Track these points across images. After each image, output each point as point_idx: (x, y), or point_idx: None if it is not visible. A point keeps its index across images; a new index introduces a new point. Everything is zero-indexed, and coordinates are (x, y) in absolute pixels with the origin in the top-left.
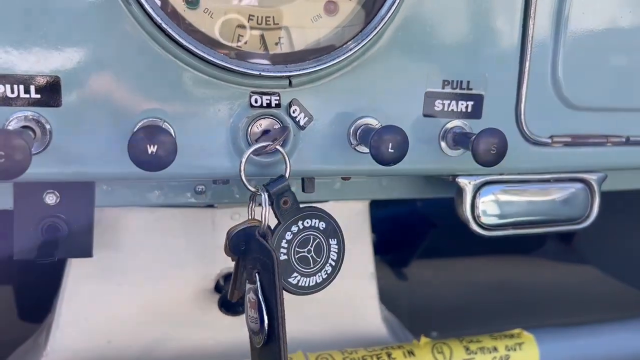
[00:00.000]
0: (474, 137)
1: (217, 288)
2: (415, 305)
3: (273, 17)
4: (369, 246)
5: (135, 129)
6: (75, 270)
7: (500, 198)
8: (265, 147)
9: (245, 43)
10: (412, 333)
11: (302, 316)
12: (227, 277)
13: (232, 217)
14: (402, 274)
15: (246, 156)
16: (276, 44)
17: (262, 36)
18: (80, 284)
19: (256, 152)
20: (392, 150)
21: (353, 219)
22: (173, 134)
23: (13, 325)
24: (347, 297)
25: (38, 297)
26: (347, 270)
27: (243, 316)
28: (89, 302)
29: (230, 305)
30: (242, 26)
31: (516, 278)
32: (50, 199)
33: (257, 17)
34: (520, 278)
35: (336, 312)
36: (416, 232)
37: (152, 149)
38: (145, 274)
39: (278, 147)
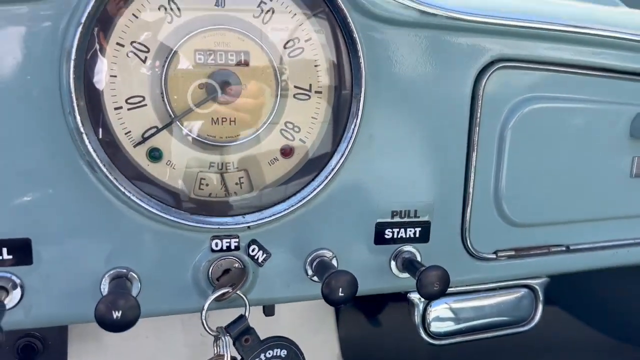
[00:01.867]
0: (418, 272)
1: None
2: None
3: (233, 162)
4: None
5: (102, 286)
6: None
7: (449, 308)
8: (225, 294)
9: (207, 185)
10: None
11: None
12: None
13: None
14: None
15: (207, 304)
16: (236, 184)
17: (222, 178)
18: None
19: (217, 299)
20: (342, 294)
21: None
22: (138, 289)
23: None
24: None
25: None
26: None
27: None
28: None
29: None
30: (203, 171)
31: None
32: None
33: (217, 163)
34: None
35: None
36: None
37: (116, 314)
38: None
39: (238, 292)
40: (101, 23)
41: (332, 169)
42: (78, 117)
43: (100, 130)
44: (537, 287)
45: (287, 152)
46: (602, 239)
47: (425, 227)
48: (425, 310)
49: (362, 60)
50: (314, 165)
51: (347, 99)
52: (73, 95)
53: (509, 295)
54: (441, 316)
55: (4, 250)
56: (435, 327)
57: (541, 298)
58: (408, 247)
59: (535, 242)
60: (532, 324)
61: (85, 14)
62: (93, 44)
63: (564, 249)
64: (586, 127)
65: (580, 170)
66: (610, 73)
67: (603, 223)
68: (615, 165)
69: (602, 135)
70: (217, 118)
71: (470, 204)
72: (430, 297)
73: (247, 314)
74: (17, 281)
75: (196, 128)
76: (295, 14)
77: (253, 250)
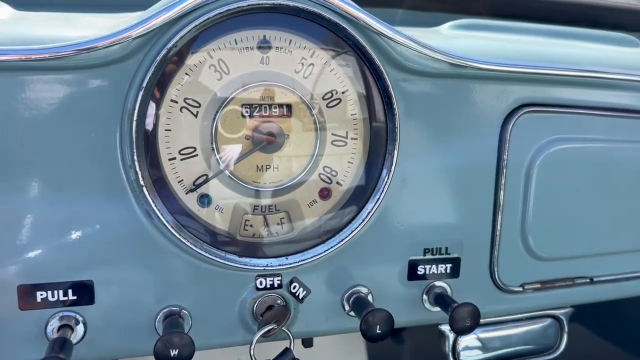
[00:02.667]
0: (451, 309)
1: None
2: None
3: (275, 205)
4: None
5: (156, 323)
6: None
7: (478, 338)
8: (271, 330)
9: (252, 226)
10: None
11: None
12: None
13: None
14: None
15: (255, 339)
16: (277, 224)
17: (265, 219)
18: None
19: (264, 335)
20: (380, 331)
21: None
22: (189, 325)
23: None
24: None
25: None
26: None
27: None
28: None
29: None
30: (247, 214)
31: None
32: None
33: (261, 206)
34: None
35: None
36: None
37: (174, 352)
38: None
39: (283, 328)
40: (158, 83)
41: (369, 212)
42: (139, 172)
43: (156, 179)
44: (562, 316)
45: (325, 194)
46: (626, 271)
47: (456, 263)
48: (455, 340)
49: (396, 112)
50: (351, 206)
51: (382, 143)
52: (135, 151)
53: (534, 325)
54: (470, 346)
55: (69, 291)
56: (465, 356)
57: (566, 328)
58: (439, 282)
59: (560, 274)
60: (558, 352)
61: (147, 79)
62: (151, 102)
63: (587, 280)
64: (611, 165)
65: (603, 206)
66: (634, 114)
67: (626, 255)
68: (637, 201)
69: (627, 173)
70: (262, 165)
71: (498, 240)
72: (461, 332)
73: (292, 346)
74: (80, 319)
75: (243, 175)
76: (333, 68)
77: (294, 288)
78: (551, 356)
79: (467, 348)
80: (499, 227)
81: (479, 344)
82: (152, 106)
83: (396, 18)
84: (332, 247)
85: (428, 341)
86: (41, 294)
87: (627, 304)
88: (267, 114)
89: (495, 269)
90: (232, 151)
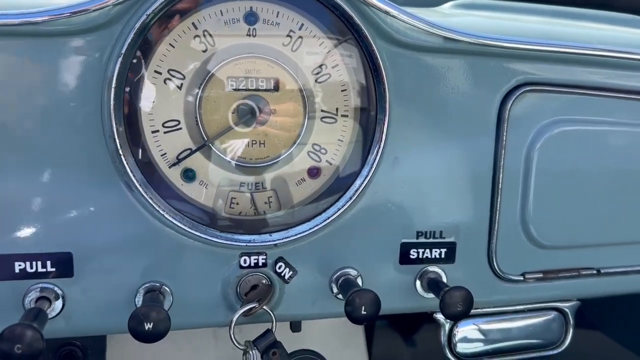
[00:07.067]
0: (442, 293)
1: None
2: None
3: (262, 182)
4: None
5: (136, 299)
6: None
7: (476, 329)
8: (252, 309)
9: (238, 204)
10: None
11: None
12: None
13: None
14: None
15: (235, 318)
16: (265, 203)
17: (252, 197)
18: None
19: (245, 313)
20: (365, 313)
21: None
22: (170, 302)
23: None
24: None
25: None
26: None
27: None
28: None
29: None
30: (234, 191)
31: None
32: None
33: (248, 183)
34: None
35: None
36: None
37: (148, 325)
38: None
39: (264, 307)
40: (141, 53)
41: (357, 190)
42: (117, 140)
43: (138, 152)
44: (567, 310)
45: (314, 172)
46: (636, 263)
47: (451, 247)
48: (451, 330)
49: (385, 86)
50: (340, 186)
51: (373, 122)
52: (113, 120)
53: (537, 318)
54: (468, 337)
55: (48, 263)
56: (462, 347)
57: (571, 322)
58: (434, 268)
59: (564, 264)
60: (562, 347)
61: (126, 46)
62: (133, 72)
63: (594, 272)
64: (616, 149)
65: (611, 193)
66: (637, 95)
67: (636, 246)
68: None
69: (633, 157)
70: (248, 140)
71: (496, 225)
72: (453, 318)
73: (274, 328)
74: (59, 292)
75: (228, 150)
76: (322, 42)
77: (280, 268)
78: (555, 351)
79: (464, 339)
80: (497, 212)
81: (477, 335)
82: (135, 76)
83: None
84: (317, 225)
85: (428, 332)
86: (19, 265)
87: (638, 299)
88: (254, 87)
89: (494, 256)
90: (216, 124)
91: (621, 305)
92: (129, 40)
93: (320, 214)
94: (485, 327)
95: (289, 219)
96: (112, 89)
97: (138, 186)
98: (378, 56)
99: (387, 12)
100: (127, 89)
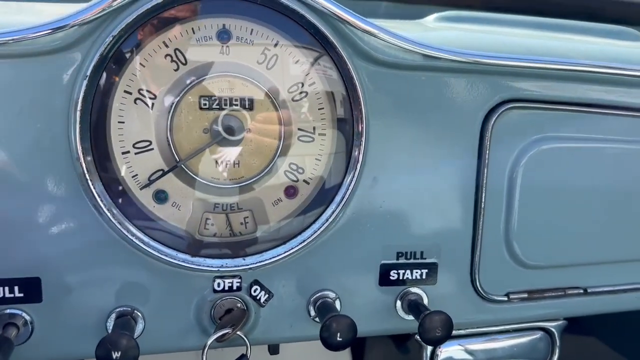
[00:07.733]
0: (421, 317)
1: None
2: None
3: (237, 203)
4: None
5: (107, 324)
6: None
7: (461, 349)
8: (225, 334)
9: (213, 225)
10: None
11: None
12: None
13: None
14: None
15: (208, 344)
16: (241, 223)
17: (227, 218)
18: None
19: (218, 340)
20: (341, 339)
21: None
22: (142, 327)
23: None
24: None
25: None
26: None
27: None
28: None
29: None
30: (208, 212)
31: None
32: None
33: (222, 204)
34: None
35: None
36: None
37: (116, 354)
38: None
39: (238, 332)
40: (110, 73)
41: (333, 212)
42: (84, 164)
43: (108, 174)
44: (553, 329)
45: (290, 192)
46: (623, 282)
47: (432, 268)
48: (434, 351)
49: (362, 107)
50: (319, 204)
51: (351, 140)
52: (79, 143)
53: (523, 338)
54: (453, 357)
55: (16, 288)
56: None
57: (557, 342)
58: (415, 289)
59: (550, 284)
60: None
61: (91, 67)
62: (102, 92)
63: (581, 291)
64: (602, 166)
65: (596, 211)
66: (624, 111)
67: (624, 265)
68: (634, 205)
69: (619, 174)
70: (222, 161)
71: (479, 245)
72: (432, 343)
73: (248, 353)
74: (27, 318)
75: (201, 171)
76: (298, 59)
77: (255, 291)
78: None
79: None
80: (480, 232)
81: (461, 355)
82: (104, 97)
83: (379, 10)
84: (292, 249)
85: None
86: None
87: (626, 317)
88: (227, 106)
89: (477, 277)
90: (188, 145)
91: (608, 324)
92: (94, 62)
93: (296, 236)
94: (470, 347)
95: (266, 239)
96: (78, 112)
97: (106, 210)
98: (354, 76)
99: (364, 31)
100: (96, 110)
